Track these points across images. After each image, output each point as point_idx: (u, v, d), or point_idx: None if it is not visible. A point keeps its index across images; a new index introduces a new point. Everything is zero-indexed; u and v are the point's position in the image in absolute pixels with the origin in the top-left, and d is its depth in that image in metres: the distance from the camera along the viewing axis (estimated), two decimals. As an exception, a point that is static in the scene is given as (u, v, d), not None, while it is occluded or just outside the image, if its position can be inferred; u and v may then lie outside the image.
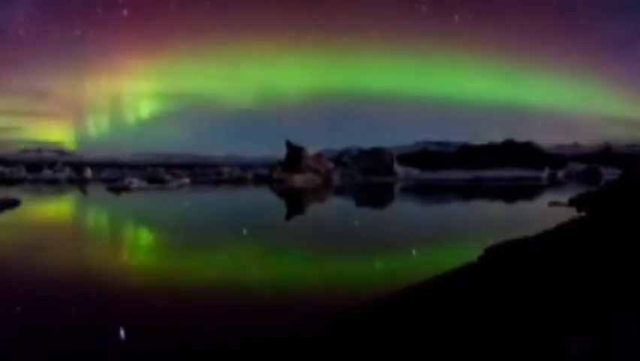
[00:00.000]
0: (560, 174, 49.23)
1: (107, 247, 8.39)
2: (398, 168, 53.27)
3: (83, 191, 27.30)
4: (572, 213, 7.35)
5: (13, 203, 15.41)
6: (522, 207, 18.55)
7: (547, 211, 12.70)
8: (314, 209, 17.98)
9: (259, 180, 42.04)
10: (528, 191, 26.92)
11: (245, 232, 10.40)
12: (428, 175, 53.55)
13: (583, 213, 6.62)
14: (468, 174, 49.51)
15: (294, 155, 46.99)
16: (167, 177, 38.41)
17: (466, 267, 5.16)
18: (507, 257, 5.06)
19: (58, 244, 8.83)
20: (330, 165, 50.94)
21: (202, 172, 53.18)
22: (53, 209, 17.30)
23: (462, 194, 25.37)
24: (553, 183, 34.99)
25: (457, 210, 17.09)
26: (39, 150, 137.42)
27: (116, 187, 25.89)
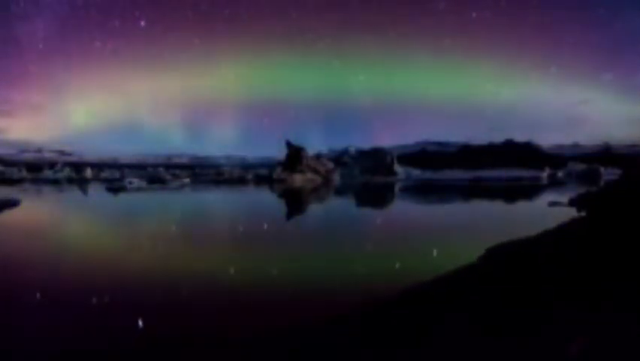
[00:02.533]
0: (560, 174, 49.28)
1: (99, 247, 8.38)
2: (398, 168, 53.31)
3: (83, 191, 27.29)
4: (572, 213, 7.33)
5: (13, 203, 15.42)
6: (522, 207, 18.55)
7: (547, 211, 12.70)
8: (314, 209, 17.98)
9: (259, 180, 42.02)
10: (528, 191, 26.91)
11: (243, 233, 10.41)
12: (428, 175, 53.56)
13: (583, 213, 6.61)
14: (468, 174, 49.55)
15: (294, 155, 47.04)
16: (167, 177, 38.45)
17: (466, 267, 5.15)
18: (507, 257, 5.05)
19: (53, 244, 8.83)
20: (330, 165, 50.99)
21: (202, 172, 53.21)
22: (51, 209, 17.28)
23: (462, 194, 25.36)
24: (554, 183, 34.98)
25: (458, 210, 17.08)
26: (39, 150, 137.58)
27: (115, 187, 25.90)
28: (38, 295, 4.97)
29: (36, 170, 52.55)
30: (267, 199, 23.67)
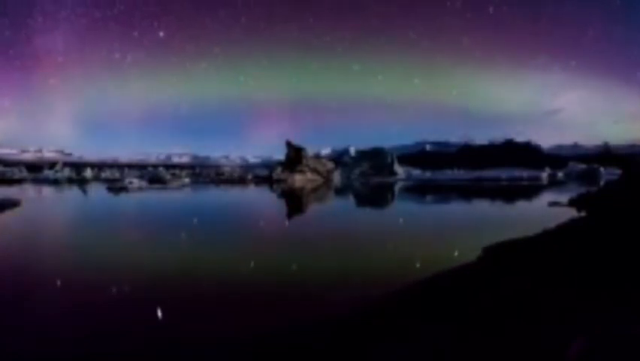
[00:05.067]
0: (560, 174, 49.30)
1: (100, 249, 8.38)
2: (398, 168, 53.34)
3: (84, 191, 27.29)
4: (572, 213, 7.34)
5: (14, 204, 15.42)
6: (522, 207, 18.56)
7: (547, 211, 12.70)
8: (313, 210, 17.98)
9: (259, 180, 42.02)
10: (528, 191, 26.92)
11: (245, 234, 10.42)
12: (429, 175, 53.59)
13: (583, 213, 6.62)
14: (468, 174, 49.59)
15: (294, 155, 47.06)
16: (168, 177, 38.45)
17: (465, 266, 5.16)
18: (506, 257, 5.06)
19: (55, 246, 8.83)
20: (330, 165, 51.00)
21: (202, 172, 53.26)
22: (52, 210, 17.30)
23: (462, 194, 25.37)
24: (553, 183, 34.98)
25: (458, 210, 17.09)
26: (39, 150, 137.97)
27: (115, 188, 25.88)
28: (37, 295, 4.98)
29: (36, 170, 52.57)
30: (267, 199, 23.68)
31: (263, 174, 47.18)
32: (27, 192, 25.29)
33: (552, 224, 6.41)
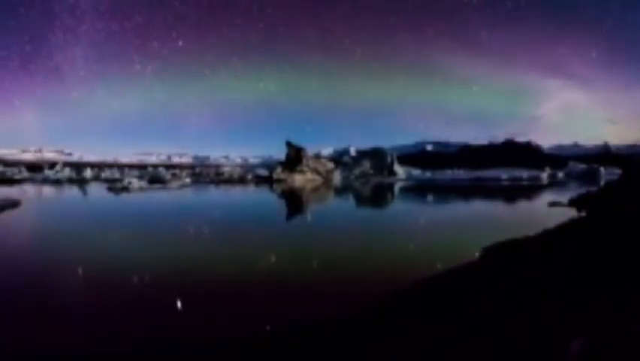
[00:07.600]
0: (560, 174, 49.32)
1: (101, 251, 8.39)
2: (398, 168, 53.34)
3: (84, 192, 27.27)
4: (572, 213, 7.35)
5: (13, 204, 15.41)
6: (522, 207, 18.55)
7: (547, 211, 12.70)
8: (313, 210, 17.98)
9: (259, 180, 42.00)
10: (528, 191, 26.91)
11: (249, 234, 10.41)
12: (429, 175, 53.59)
13: (583, 214, 6.62)
14: (468, 174, 49.59)
15: (294, 155, 47.05)
16: (168, 177, 38.45)
17: (465, 266, 5.16)
18: (507, 257, 5.06)
19: (54, 248, 8.83)
20: (330, 165, 50.98)
21: (202, 172, 53.24)
22: (52, 211, 17.28)
23: (462, 194, 25.36)
24: (554, 183, 34.98)
25: (457, 210, 17.09)
26: (39, 150, 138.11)
27: (116, 188, 25.87)
28: (36, 296, 4.98)
29: (36, 170, 52.56)
30: (267, 199, 23.66)
31: (263, 174, 47.13)
32: (27, 193, 25.27)
33: (552, 224, 6.42)
